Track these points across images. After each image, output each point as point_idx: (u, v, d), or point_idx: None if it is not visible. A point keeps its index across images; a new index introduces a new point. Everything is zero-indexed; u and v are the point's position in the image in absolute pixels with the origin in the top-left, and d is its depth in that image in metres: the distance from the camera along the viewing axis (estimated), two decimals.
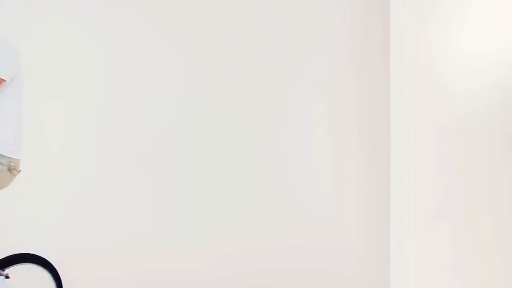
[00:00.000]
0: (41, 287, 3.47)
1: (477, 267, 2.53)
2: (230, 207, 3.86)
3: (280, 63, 3.85)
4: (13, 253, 3.23)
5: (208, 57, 3.83)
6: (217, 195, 3.89)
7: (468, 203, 2.55)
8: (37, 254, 3.55)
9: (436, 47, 2.63)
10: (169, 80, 3.85)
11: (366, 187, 3.77)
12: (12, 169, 2.63)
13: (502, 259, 2.51)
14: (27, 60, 3.55)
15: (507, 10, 2.55)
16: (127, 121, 3.95)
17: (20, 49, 3.22)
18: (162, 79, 3.90)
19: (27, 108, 3.30)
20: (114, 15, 3.87)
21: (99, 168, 3.99)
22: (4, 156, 2.58)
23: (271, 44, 3.85)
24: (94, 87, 3.96)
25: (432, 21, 2.61)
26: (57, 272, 3.38)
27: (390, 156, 3.01)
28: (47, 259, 3.47)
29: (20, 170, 2.71)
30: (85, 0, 3.78)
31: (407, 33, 2.72)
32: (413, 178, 2.67)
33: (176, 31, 3.87)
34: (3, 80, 2.53)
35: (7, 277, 3.00)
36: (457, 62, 2.59)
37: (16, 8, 3.82)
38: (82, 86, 3.96)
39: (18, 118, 2.71)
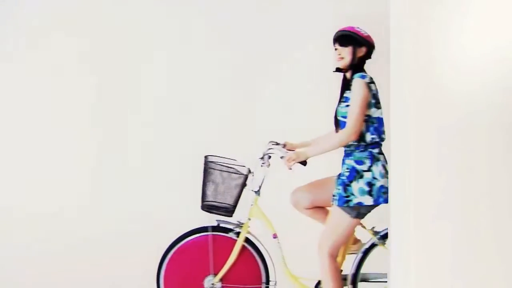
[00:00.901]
0: None
1: (477, 267, 2.53)
2: None
3: (280, 63, 3.85)
4: None
5: (212, 59, 3.84)
6: None
7: (468, 203, 2.55)
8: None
9: (436, 47, 2.63)
10: (173, 86, 3.86)
11: None
12: None
13: (502, 259, 2.51)
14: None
15: (507, 10, 2.55)
16: (130, 123, 3.95)
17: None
18: (162, 88, 3.90)
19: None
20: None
21: (103, 168, 3.99)
22: None
23: (272, 46, 3.85)
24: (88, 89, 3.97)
25: (432, 21, 2.61)
26: None
27: (390, 156, 3.00)
28: None
29: None
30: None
31: (407, 33, 2.72)
32: (413, 178, 2.67)
33: (181, 38, 3.89)
34: None
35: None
36: (457, 62, 2.59)
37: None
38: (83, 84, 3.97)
39: None
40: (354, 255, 2.95)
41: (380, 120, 2.78)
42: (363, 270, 2.94)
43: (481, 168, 2.52)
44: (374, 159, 2.73)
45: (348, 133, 2.65)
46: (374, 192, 2.70)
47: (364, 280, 2.96)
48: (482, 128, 2.52)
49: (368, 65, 3.16)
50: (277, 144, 2.98)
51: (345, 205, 2.69)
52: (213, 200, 2.97)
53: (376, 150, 2.75)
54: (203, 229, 2.98)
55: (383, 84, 3.18)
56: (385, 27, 3.09)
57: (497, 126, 2.51)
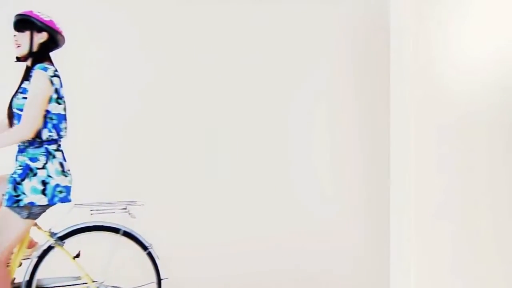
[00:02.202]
0: None
1: (477, 267, 2.53)
2: (231, 209, 3.87)
3: (281, 63, 3.86)
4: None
5: (213, 64, 3.84)
6: (219, 196, 3.90)
7: (468, 203, 2.56)
8: None
9: (436, 47, 2.64)
10: (177, 88, 3.84)
11: (366, 187, 3.77)
12: None
13: (502, 259, 2.52)
14: None
15: (507, 10, 2.55)
16: (132, 124, 3.96)
17: None
18: (169, 88, 3.89)
19: None
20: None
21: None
22: None
23: (272, 47, 3.86)
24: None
25: (432, 21, 2.62)
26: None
27: (390, 156, 3.01)
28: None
29: None
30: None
31: (407, 33, 2.73)
32: (413, 177, 2.67)
33: (182, 42, 3.87)
34: None
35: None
36: (457, 62, 2.60)
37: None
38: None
39: None
40: (29, 260, 2.66)
41: (60, 117, 2.56)
42: (39, 275, 2.66)
43: (481, 167, 2.53)
44: (50, 156, 2.53)
45: (23, 130, 2.43)
46: (48, 191, 2.50)
47: (40, 286, 2.69)
48: (482, 128, 2.52)
49: (368, 64, 3.17)
50: None
51: (15, 205, 2.46)
52: None
53: (53, 147, 2.56)
54: None
55: (383, 84, 3.18)
56: (385, 27, 3.10)
57: (497, 125, 2.51)
